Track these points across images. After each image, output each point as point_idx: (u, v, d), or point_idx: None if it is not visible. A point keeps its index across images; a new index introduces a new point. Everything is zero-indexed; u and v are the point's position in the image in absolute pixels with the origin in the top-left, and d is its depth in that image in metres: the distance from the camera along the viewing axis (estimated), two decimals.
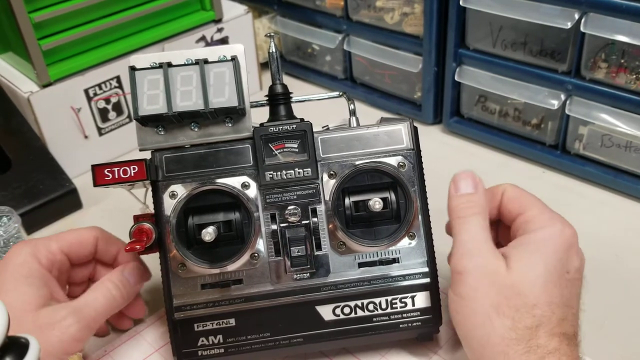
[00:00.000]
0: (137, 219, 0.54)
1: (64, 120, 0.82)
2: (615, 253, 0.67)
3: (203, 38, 0.92)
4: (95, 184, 0.52)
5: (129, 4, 0.84)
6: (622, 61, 0.70)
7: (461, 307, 0.48)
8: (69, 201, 0.79)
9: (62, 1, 0.78)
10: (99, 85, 0.83)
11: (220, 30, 0.93)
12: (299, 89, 1.02)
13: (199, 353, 0.54)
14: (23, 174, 0.78)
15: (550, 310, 0.46)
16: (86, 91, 0.82)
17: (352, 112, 0.59)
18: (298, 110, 0.58)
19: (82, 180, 0.81)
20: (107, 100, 0.85)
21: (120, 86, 0.85)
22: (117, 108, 0.86)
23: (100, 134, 0.86)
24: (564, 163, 0.80)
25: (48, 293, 0.53)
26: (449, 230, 0.53)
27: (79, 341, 0.51)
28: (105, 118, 0.86)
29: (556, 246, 0.49)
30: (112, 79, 0.84)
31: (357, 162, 0.54)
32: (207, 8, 0.91)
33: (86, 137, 0.85)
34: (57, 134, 0.82)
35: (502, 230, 0.56)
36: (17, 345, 0.34)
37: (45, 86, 0.79)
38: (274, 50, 0.57)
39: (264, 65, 1.03)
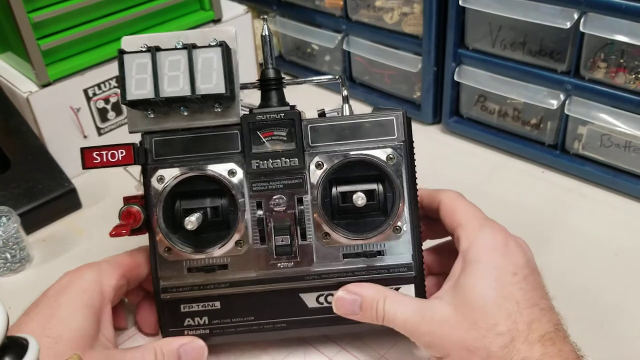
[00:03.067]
0: (127, 200, 0.54)
1: (63, 120, 0.82)
2: (615, 253, 0.67)
3: None
4: (84, 167, 0.53)
5: (129, 4, 0.84)
6: (621, 61, 0.70)
7: None
8: (68, 201, 0.79)
9: (62, 1, 0.77)
10: (98, 85, 0.83)
11: None
12: (298, 88, 1.01)
13: (185, 332, 0.55)
14: (22, 174, 0.78)
15: (512, 321, 0.46)
16: (85, 91, 0.82)
17: (345, 99, 0.57)
18: (294, 96, 0.56)
19: (81, 180, 0.80)
20: (107, 100, 0.85)
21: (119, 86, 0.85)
22: (117, 108, 0.86)
23: (100, 134, 0.86)
24: (563, 163, 0.80)
25: (98, 329, 0.51)
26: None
27: None
28: (104, 118, 0.85)
29: (490, 259, 0.48)
30: (111, 78, 0.84)
31: (345, 153, 0.53)
32: (206, 8, 0.91)
33: (85, 137, 0.84)
34: (56, 133, 0.82)
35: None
36: (17, 346, 0.34)
37: (44, 86, 0.79)
38: (267, 33, 0.56)
39: None
